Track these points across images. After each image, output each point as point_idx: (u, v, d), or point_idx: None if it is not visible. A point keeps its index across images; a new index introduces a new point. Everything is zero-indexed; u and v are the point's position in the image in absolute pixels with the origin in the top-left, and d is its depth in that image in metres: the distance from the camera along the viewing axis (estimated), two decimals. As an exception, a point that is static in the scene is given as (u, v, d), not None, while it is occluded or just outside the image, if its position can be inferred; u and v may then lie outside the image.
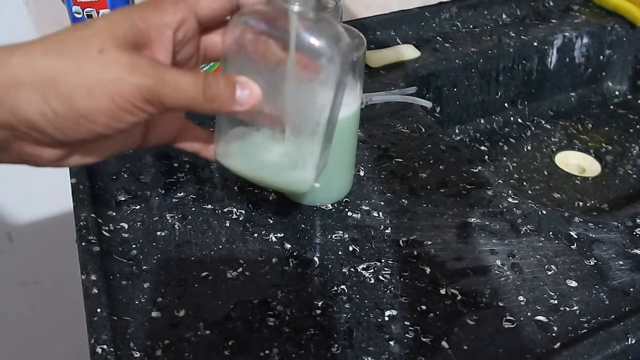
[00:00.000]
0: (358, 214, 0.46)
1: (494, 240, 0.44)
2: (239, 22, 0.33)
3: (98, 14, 0.50)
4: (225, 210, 0.46)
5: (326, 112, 0.34)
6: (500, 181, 0.49)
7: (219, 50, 0.35)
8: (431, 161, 0.52)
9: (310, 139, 0.35)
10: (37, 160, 0.31)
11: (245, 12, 0.33)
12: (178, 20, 0.31)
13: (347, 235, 0.44)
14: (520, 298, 0.39)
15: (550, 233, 0.44)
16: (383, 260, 0.42)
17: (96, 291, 0.38)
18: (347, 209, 0.46)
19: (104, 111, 0.28)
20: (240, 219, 0.45)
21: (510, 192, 0.48)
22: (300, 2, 0.32)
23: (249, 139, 0.36)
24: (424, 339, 0.37)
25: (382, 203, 0.47)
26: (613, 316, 0.38)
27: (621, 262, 0.42)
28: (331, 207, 0.46)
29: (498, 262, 0.42)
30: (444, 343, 0.36)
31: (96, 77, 0.28)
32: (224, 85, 0.31)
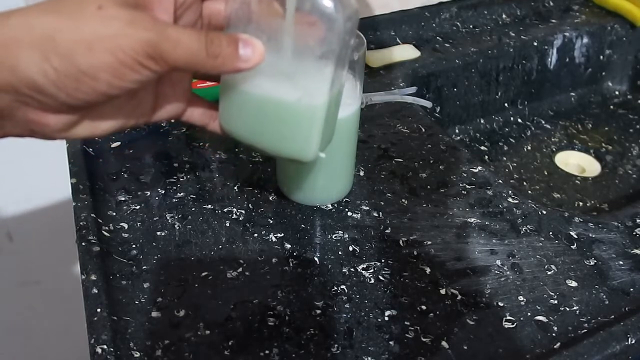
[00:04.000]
0: (358, 214, 0.46)
1: (494, 240, 0.44)
2: None
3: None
4: (225, 210, 0.46)
5: (331, 67, 0.34)
6: (500, 181, 0.49)
7: (222, 18, 0.35)
8: (431, 161, 0.52)
9: (317, 75, 0.34)
10: (44, 129, 0.30)
11: None
12: None
13: (347, 235, 0.44)
14: (520, 298, 0.39)
15: (550, 233, 0.44)
16: (383, 260, 0.42)
17: (96, 291, 0.38)
18: (347, 209, 0.46)
19: (106, 67, 0.28)
20: (240, 219, 0.45)
21: (510, 192, 0.48)
22: None
23: (252, 82, 0.35)
24: (424, 339, 0.37)
25: (382, 203, 0.47)
26: (613, 316, 0.38)
27: (621, 262, 0.42)
28: (331, 207, 0.46)
29: (498, 262, 0.42)
30: (444, 343, 0.36)
31: (96, 33, 0.27)
32: (227, 42, 0.31)
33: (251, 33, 0.32)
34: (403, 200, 0.47)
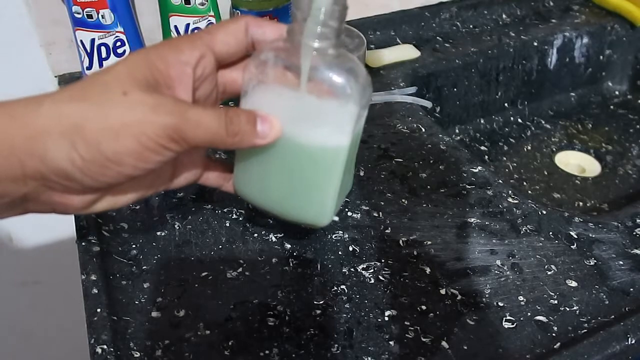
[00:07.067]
0: (358, 214, 0.46)
1: (494, 240, 0.44)
2: (260, 59, 0.34)
3: (98, 13, 0.50)
4: (225, 210, 0.46)
5: (346, 139, 0.35)
6: (500, 181, 0.49)
7: (237, 86, 0.36)
8: (431, 161, 0.52)
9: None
10: (66, 208, 0.31)
11: (265, 49, 0.34)
12: (196, 58, 0.32)
13: (347, 235, 0.44)
14: (520, 298, 0.39)
15: (550, 233, 0.44)
16: (383, 260, 0.42)
17: (96, 291, 0.38)
18: (347, 209, 0.46)
19: (131, 153, 0.28)
20: (240, 219, 0.45)
21: (510, 192, 0.48)
22: (320, 39, 0.32)
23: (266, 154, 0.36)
24: (424, 339, 0.37)
25: (382, 203, 0.47)
26: (613, 316, 0.38)
27: (621, 262, 0.42)
28: (331, 207, 0.46)
29: (498, 262, 0.42)
30: (444, 343, 0.36)
31: (121, 120, 0.28)
32: (245, 119, 0.32)
33: (268, 106, 0.34)
34: (403, 200, 0.47)
